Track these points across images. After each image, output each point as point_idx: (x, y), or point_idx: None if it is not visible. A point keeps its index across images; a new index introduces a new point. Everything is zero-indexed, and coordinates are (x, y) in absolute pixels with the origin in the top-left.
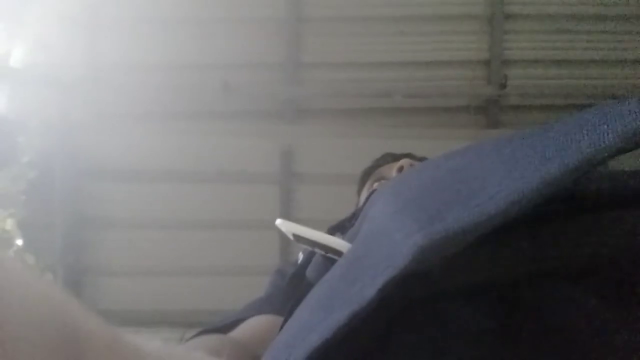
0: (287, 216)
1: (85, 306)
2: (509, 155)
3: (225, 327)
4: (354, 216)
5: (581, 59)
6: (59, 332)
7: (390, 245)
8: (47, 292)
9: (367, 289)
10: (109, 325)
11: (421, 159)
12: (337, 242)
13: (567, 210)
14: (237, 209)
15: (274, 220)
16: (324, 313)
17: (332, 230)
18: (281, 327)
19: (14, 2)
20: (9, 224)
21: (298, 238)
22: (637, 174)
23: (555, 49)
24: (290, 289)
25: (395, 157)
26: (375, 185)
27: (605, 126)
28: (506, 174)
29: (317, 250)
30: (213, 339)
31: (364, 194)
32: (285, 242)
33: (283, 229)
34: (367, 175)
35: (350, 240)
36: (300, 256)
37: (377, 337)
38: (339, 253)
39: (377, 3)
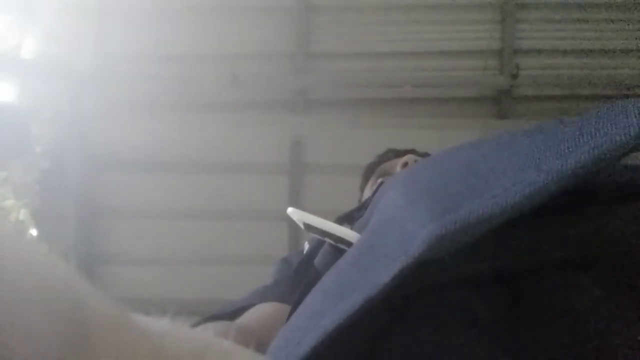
0: (296, 206)
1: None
2: (526, 148)
3: (231, 314)
4: (362, 207)
5: (594, 49)
6: (63, 309)
7: (404, 235)
8: (51, 268)
9: (381, 276)
10: (115, 304)
11: (424, 155)
12: (347, 232)
13: (574, 200)
14: (246, 199)
15: (284, 211)
16: (335, 299)
17: (340, 221)
18: (289, 315)
19: None
20: (23, 214)
21: (308, 227)
22: None
23: (568, 39)
24: (297, 278)
25: (398, 153)
26: (380, 180)
27: (623, 122)
28: (522, 167)
29: (327, 240)
30: (220, 325)
31: (368, 190)
32: (295, 232)
33: (294, 217)
34: (370, 171)
35: (358, 231)
36: (307, 245)
37: (383, 324)
38: (348, 244)
39: None
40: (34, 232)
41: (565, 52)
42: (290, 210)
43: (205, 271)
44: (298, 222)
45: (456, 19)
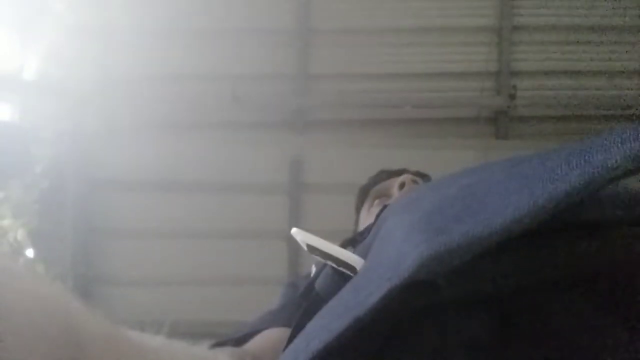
0: (295, 226)
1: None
2: (520, 173)
3: (238, 340)
4: (365, 231)
5: (590, 70)
6: (58, 327)
7: (397, 257)
8: (46, 290)
9: (371, 297)
10: (110, 322)
11: (416, 173)
12: (349, 256)
13: (566, 222)
14: (246, 219)
15: (283, 230)
16: (329, 320)
17: (344, 245)
18: (289, 339)
19: (27, 16)
20: (20, 234)
21: (311, 249)
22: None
23: (564, 60)
24: (303, 302)
25: (391, 174)
26: (377, 202)
27: (613, 149)
28: (514, 191)
29: (329, 262)
30: (226, 351)
31: (364, 212)
32: (294, 252)
33: (298, 238)
34: (364, 193)
35: (360, 255)
36: (314, 269)
37: (378, 345)
38: (351, 267)
39: (386, 15)
40: (30, 252)
41: (561, 74)
42: (294, 230)
43: (204, 292)
44: (301, 243)
45: (454, 41)
